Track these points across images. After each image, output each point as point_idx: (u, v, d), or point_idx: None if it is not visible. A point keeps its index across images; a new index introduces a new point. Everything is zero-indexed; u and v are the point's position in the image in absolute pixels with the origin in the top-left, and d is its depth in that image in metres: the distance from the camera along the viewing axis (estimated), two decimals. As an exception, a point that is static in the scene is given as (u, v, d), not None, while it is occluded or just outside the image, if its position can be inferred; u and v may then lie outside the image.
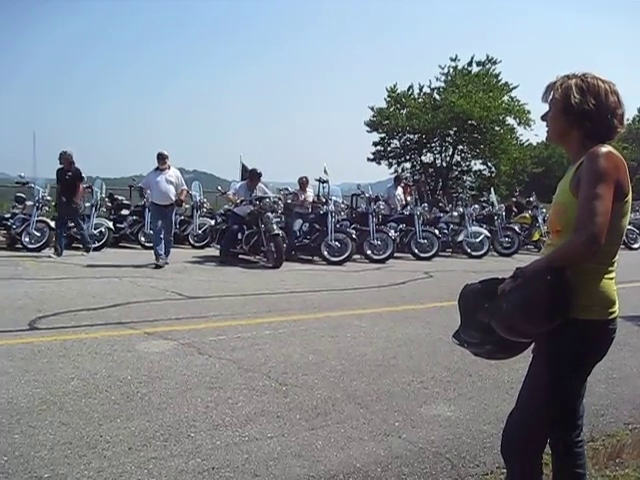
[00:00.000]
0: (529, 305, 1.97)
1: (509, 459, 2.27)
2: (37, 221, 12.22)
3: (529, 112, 28.43)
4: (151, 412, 3.67)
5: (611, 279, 2.10)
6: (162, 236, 10.78)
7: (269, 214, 11.55)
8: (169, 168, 11.08)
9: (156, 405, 3.79)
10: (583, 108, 2.05)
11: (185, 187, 11.54)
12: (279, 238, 11.36)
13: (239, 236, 11.85)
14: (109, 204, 14.63)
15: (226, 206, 15.42)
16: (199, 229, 14.42)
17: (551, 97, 2.16)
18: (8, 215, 12.99)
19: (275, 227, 11.52)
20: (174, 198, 10.97)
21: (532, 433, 2.18)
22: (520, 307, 1.98)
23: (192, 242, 14.38)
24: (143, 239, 13.82)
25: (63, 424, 3.42)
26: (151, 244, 13.79)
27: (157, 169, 11.04)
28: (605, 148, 2.02)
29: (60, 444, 3.16)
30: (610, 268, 2.09)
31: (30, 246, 12.06)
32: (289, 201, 13.33)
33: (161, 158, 11.04)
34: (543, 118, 2.21)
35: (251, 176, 12.31)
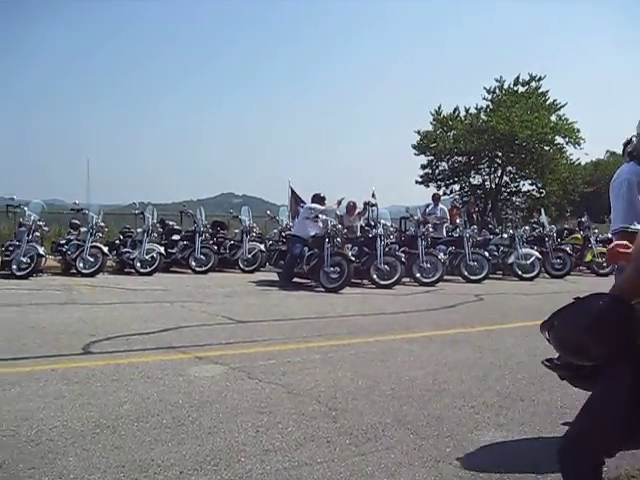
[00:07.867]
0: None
1: (567, 463, 2.19)
2: (91, 247, 12.58)
3: (578, 130, 27.99)
4: (202, 436, 3.68)
5: None
6: None
7: (339, 239, 11.88)
8: None
9: (207, 429, 3.80)
10: None
11: None
12: (352, 265, 11.51)
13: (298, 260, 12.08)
14: (160, 229, 14.91)
15: (275, 230, 15.57)
16: (249, 253, 14.56)
17: None
18: (63, 241, 13.38)
19: (350, 253, 11.97)
20: None
21: (597, 442, 2.12)
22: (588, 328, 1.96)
23: (242, 266, 14.54)
24: (194, 264, 14.02)
25: (116, 447, 3.46)
26: (201, 268, 13.98)
27: None
28: None
29: (113, 467, 3.19)
30: None
31: (84, 271, 12.42)
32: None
33: None
34: None
35: (317, 200, 12.77)
